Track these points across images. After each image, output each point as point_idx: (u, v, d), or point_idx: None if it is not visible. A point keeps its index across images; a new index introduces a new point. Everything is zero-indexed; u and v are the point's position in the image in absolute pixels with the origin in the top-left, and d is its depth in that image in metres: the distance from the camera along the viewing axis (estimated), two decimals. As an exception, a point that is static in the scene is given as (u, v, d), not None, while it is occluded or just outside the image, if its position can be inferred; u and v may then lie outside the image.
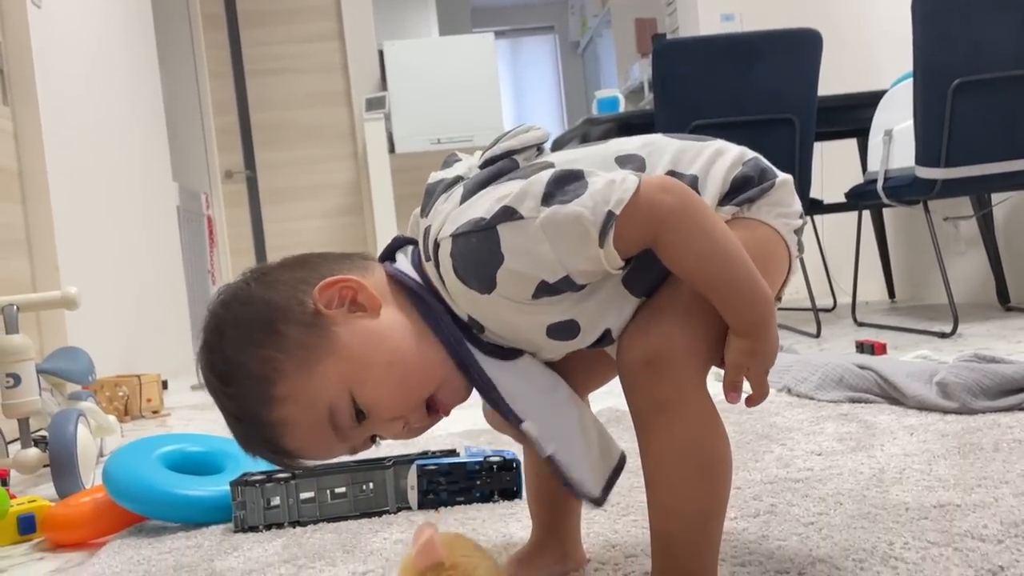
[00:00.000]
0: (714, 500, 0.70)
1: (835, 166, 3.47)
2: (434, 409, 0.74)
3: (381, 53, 5.22)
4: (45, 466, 1.60)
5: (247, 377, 0.70)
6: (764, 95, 2.63)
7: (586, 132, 2.94)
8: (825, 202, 3.05)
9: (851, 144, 3.34)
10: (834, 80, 3.13)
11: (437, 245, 0.70)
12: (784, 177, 0.77)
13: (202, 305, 4.58)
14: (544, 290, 0.68)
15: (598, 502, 0.73)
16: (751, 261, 0.67)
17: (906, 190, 2.52)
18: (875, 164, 2.71)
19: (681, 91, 2.64)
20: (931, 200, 2.53)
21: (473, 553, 0.62)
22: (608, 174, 0.67)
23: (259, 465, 1.32)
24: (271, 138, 5.29)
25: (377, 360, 0.70)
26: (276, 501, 1.16)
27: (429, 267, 0.72)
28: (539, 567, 0.86)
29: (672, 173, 0.74)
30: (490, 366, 0.73)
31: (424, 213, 0.75)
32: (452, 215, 0.69)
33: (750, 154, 0.77)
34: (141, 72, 3.85)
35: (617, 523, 1.01)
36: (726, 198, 0.75)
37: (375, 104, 5.00)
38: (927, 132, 2.37)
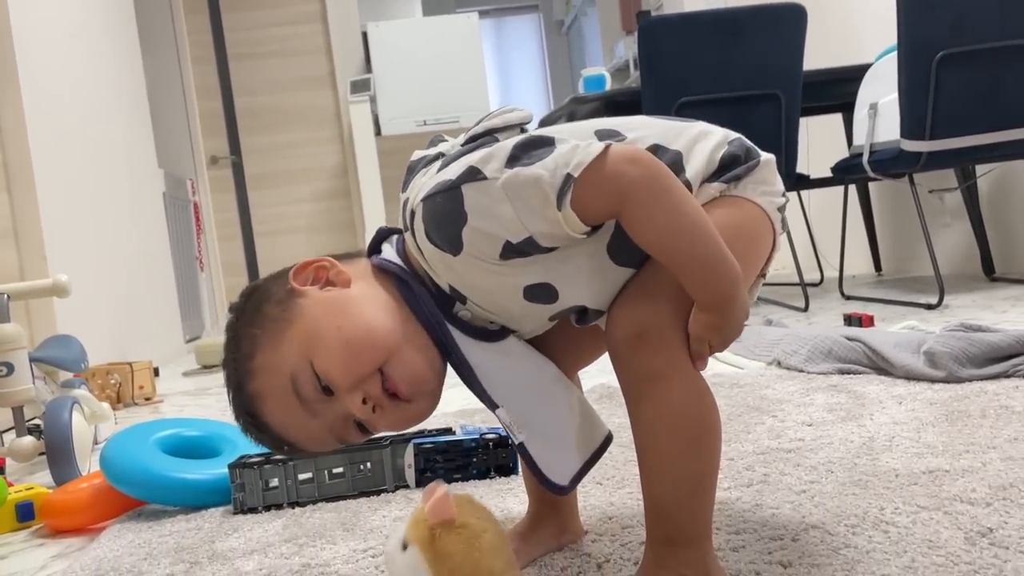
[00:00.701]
0: (704, 466, 0.71)
1: (821, 141, 3.48)
2: (392, 388, 0.72)
3: (365, 35, 5.19)
4: (41, 454, 1.60)
5: (237, 353, 0.74)
6: (750, 71, 2.63)
7: (573, 111, 2.94)
8: (811, 177, 3.07)
9: (836, 119, 3.36)
10: (819, 55, 3.14)
11: (413, 213, 0.71)
12: (768, 156, 0.79)
13: (191, 291, 4.58)
14: (510, 250, 0.68)
15: (562, 491, 0.75)
16: (719, 238, 0.67)
17: (891, 163, 2.54)
18: (860, 138, 2.72)
19: (667, 68, 2.64)
20: (916, 173, 2.54)
21: (483, 516, 0.63)
22: (574, 141, 0.68)
23: (256, 447, 1.34)
24: (256, 123, 5.26)
25: (326, 325, 0.72)
26: (275, 482, 1.17)
27: (409, 239, 0.74)
28: (538, 541, 0.87)
29: (656, 147, 0.74)
30: (472, 348, 0.74)
31: (404, 188, 0.76)
32: (425, 183, 0.71)
33: (734, 135, 0.79)
34: (123, 58, 3.81)
35: (613, 496, 1.03)
36: (713, 176, 0.76)
37: (360, 86, 4.97)
38: (912, 105, 2.39)
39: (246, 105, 5.25)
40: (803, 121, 2.84)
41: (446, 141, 0.79)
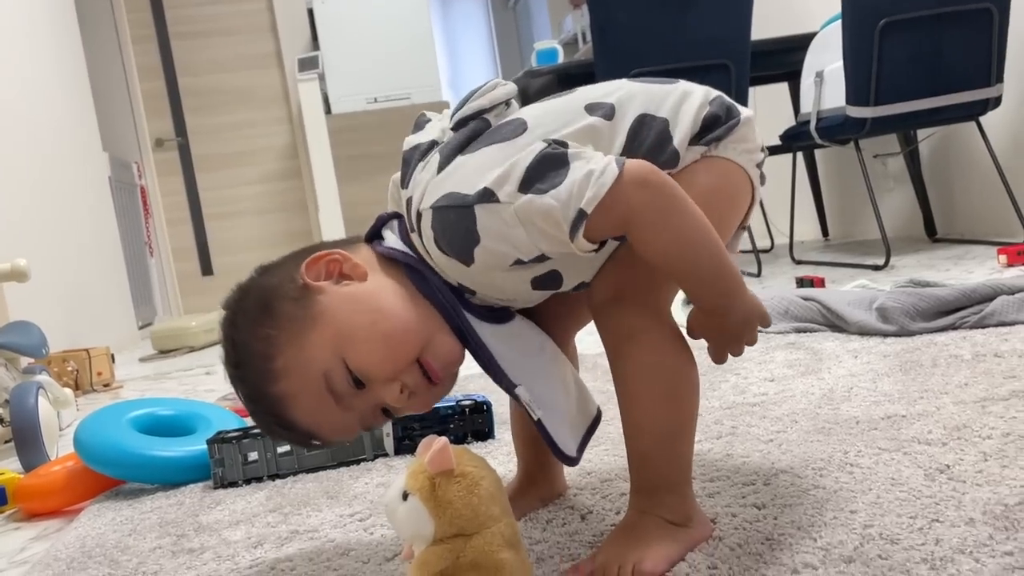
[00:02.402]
0: (683, 417, 0.75)
1: (768, 110, 3.55)
2: (431, 373, 0.74)
3: (311, 11, 5.11)
4: (7, 441, 1.59)
5: (251, 357, 0.73)
6: (699, 41, 2.67)
7: (526, 84, 2.95)
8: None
9: (783, 88, 3.43)
10: (765, 25, 3.19)
11: (419, 215, 0.72)
12: (748, 114, 0.81)
13: (141, 277, 4.50)
14: (520, 264, 0.71)
15: (573, 462, 0.77)
16: (722, 251, 0.70)
17: (838, 129, 2.61)
18: (807, 106, 2.79)
19: (619, 39, 2.66)
20: (862, 139, 2.62)
21: (480, 464, 0.66)
22: (590, 162, 0.68)
23: (232, 423, 1.34)
24: (201, 103, 5.16)
25: (360, 322, 0.72)
26: (254, 456, 1.18)
27: (415, 238, 0.75)
28: (526, 501, 0.90)
29: (643, 117, 0.76)
30: (485, 331, 0.76)
31: (404, 183, 0.76)
32: (431, 185, 0.72)
33: (714, 93, 0.81)
34: (62, 38, 3.70)
35: (591, 452, 1.06)
36: (695, 138, 0.78)
37: (308, 64, 4.90)
38: (856, 72, 2.45)
39: (190, 85, 5.16)
40: (751, 91, 2.89)
41: (431, 121, 0.79)
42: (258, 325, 0.73)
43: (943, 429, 0.95)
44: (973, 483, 0.78)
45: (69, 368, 2.48)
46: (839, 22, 2.51)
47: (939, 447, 0.89)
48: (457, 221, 0.69)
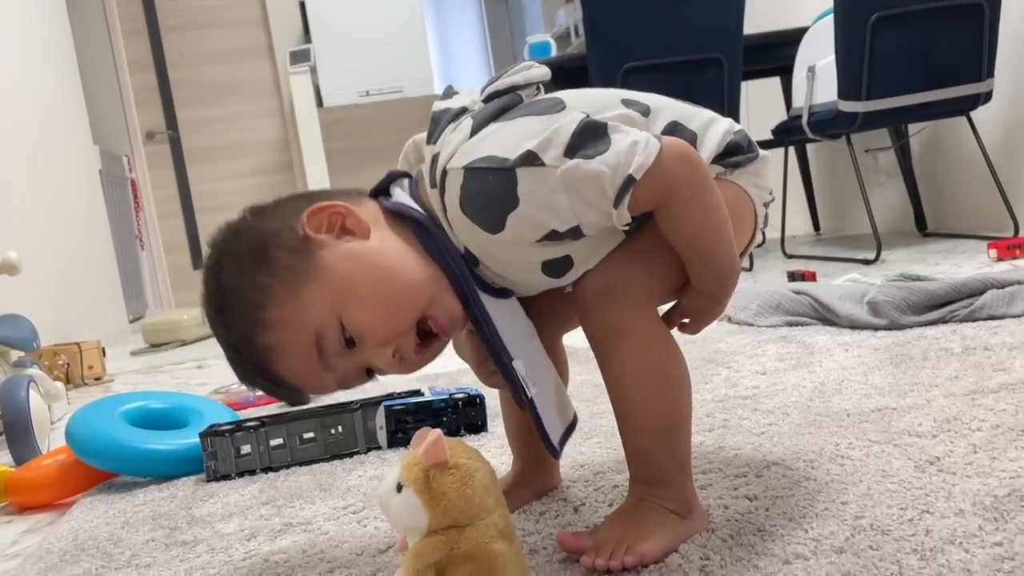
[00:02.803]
0: (676, 412, 0.75)
1: (760, 104, 3.56)
2: (428, 336, 0.73)
3: (302, 4, 5.09)
4: (-2, 434, 1.58)
5: (240, 303, 0.70)
6: (692, 36, 2.67)
7: (519, 78, 2.94)
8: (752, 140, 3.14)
9: (774, 82, 3.43)
10: (758, 19, 3.20)
11: (445, 173, 0.70)
12: (765, 154, 0.82)
13: (132, 271, 4.48)
14: (551, 236, 0.69)
15: (556, 452, 0.77)
16: (733, 237, 0.72)
17: (829, 124, 2.62)
18: (799, 100, 2.80)
19: (612, 33, 2.66)
20: (853, 133, 2.63)
21: (474, 456, 0.66)
22: (630, 134, 0.68)
23: (225, 417, 1.34)
24: (192, 96, 5.14)
25: (362, 281, 0.70)
26: (247, 449, 1.18)
27: (433, 194, 0.72)
28: (520, 495, 0.89)
29: (675, 124, 0.76)
30: (488, 301, 0.74)
31: (431, 140, 0.74)
32: (464, 147, 0.70)
33: (738, 126, 0.81)
34: (53, 31, 3.68)
35: (583, 446, 1.07)
36: (716, 159, 0.78)
37: (300, 57, 4.89)
38: (848, 66, 2.46)
39: (181, 78, 5.13)
40: (743, 85, 2.89)
41: (459, 93, 0.78)
42: (251, 272, 0.70)
43: (933, 421, 0.96)
44: (963, 475, 0.79)
45: (60, 362, 2.47)
46: (831, 17, 2.52)
47: (929, 439, 0.90)
48: (496, 184, 0.67)
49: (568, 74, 2.85)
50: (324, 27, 4.95)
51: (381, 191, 0.78)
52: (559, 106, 0.72)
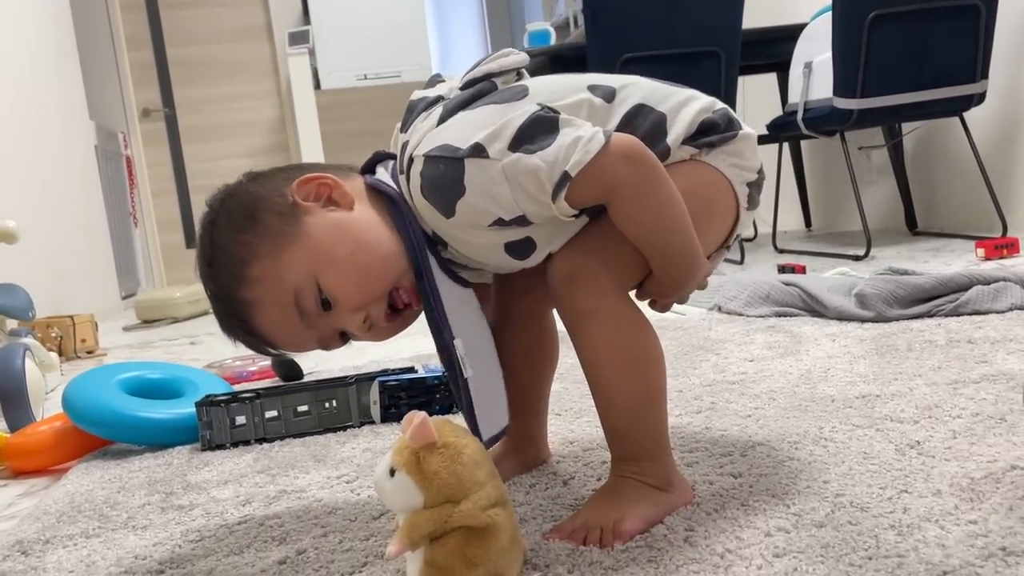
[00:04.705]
0: (648, 389, 0.77)
1: (756, 99, 3.58)
2: (398, 307, 0.77)
3: (302, -15, 5.08)
4: (-8, 401, 1.59)
5: (226, 258, 0.75)
6: (691, 28, 2.69)
7: (518, 65, 2.95)
8: (747, 134, 3.15)
9: (771, 78, 3.45)
10: (755, 14, 3.21)
11: (411, 161, 0.74)
12: (748, 131, 0.81)
13: (125, 247, 4.48)
14: (499, 223, 0.73)
15: (480, 436, 0.75)
16: (691, 230, 0.73)
17: (824, 120, 2.64)
18: (795, 96, 2.82)
19: (612, 24, 2.67)
20: (847, 130, 2.65)
21: (461, 435, 0.67)
22: (579, 129, 0.70)
23: (220, 388, 1.36)
24: (189, 74, 5.13)
25: (341, 250, 0.74)
26: (241, 420, 1.20)
27: (402, 180, 0.77)
28: (511, 464, 0.92)
29: (641, 106, 0.77)
30: (443, 281, 0.77)
31: (404, 128, 0.78)
32: (429, 135, 0.73)
33: (720, 104, 0.81)
34: (50, 6, 3.67)
35: (573, 424, 1.09)
36: (689, 139, 0.79)
37: (298, 38, 4.87)
38: (844, 64, 2.48)
39: (178, 56, 5.12)
40: (739, 80, 2.91)
41: (444, 82, 0.81)
42: (239, 230, 0.75)
43: (915, 408, 0.98)
44: (942, 458, 0.81)
45: (53, 334, 2.48)
46: (829, 14, 2.54)
47: (911, 425, 0.92)
48: (446, 172, 0.71)
49: (567, 63, 2.86)
50: (324, 9, 4.94)
51: (368, 169, 0.82)
52: (521, 95, 0.74)
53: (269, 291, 0.74)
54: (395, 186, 0.78)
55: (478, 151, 0.70)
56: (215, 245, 0.76)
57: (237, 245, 0.75)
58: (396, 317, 0.78)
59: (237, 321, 0.77)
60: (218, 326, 0.80)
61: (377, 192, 0.78)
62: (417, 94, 0.80)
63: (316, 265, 0.74)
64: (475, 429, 0.75)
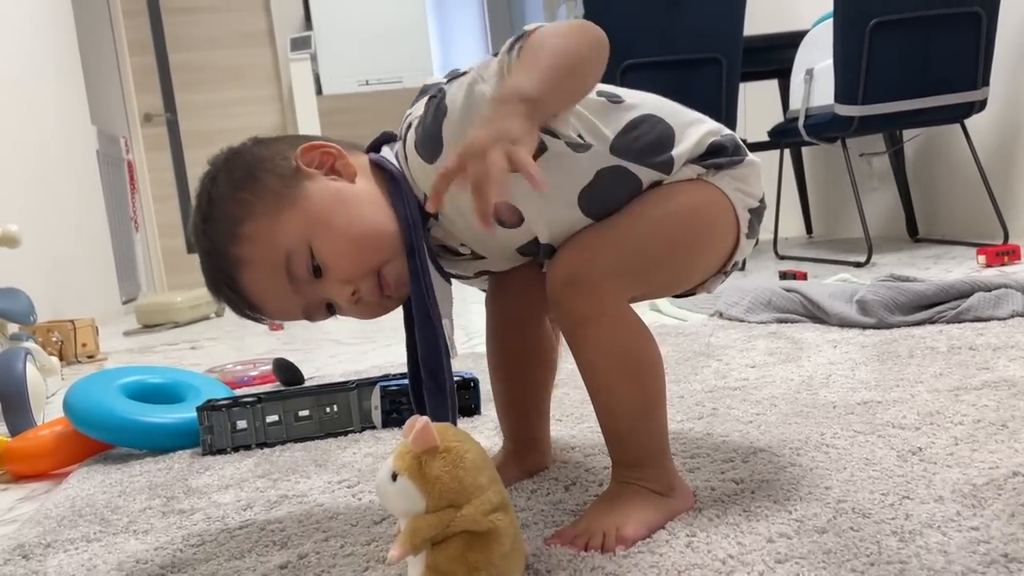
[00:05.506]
0: (648, 395, 0.76)
1: (757, 106, 3.58)
2: (383, 292, 0.77)
3: (304, -9, 5.10)
4: (-7, 406, 1.59)
5: (222, 214, 0.75)
6: (692, 35, 2.69)
7: (519, 71, 2.96)
8: (748, 141, 3.16)
9: (772, 85, 3.45)
10: (757, 21, 3.22)
11: (409, 127, 0.75)
12: (754, 159, 0.82)
13: (126, 252, 4.48)
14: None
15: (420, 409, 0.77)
16: (583, 76, 0.70)
17: (825, 127, 2.64)
18: (796, 103, 2.82)
19: (613, 30, 2.65)
20: (849, 137, 2.65)
21: (463, 438, 0.67)
22: None
23: (221, 393, 1.36)
24: (191, 79, 5.14)
25: (338, 219, 0.74)
26: (243, 424, 1.20)
27: (399, 148, 0.78)
28: (513, 471, 0.91)
29: (652, 115, 0.77)
30: (430, 267, 0.77)
31: (412, 105, 0.79)
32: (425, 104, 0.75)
33: (728, 130, 0.81)
34: (54, 10, 3.68)
35: (574, 430, 1.09)
36: (697, 159, 0.78)
37: (300, 44, 4.89)
38: (846, 70, 2.49)
39: (180, 61, 5.13)
40: (740, 86, 2.92)
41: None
42: (238, 188, 0.75)
43: (917, 415, 0.98)
44: (944, 464, 0.81)
45: (53, 339, 2.48)
46: (830, 21, 2.54)
47: (912, 431, 0.92)
48: (435, 104, 0.72)
49: (568, 69, 2.86)
50: (326, 14, 4.96)
51: (375, 148, 0.82)
52: None
53: (261, 250, 0.74)
54: (397, 164, 0.78)
55: (454, 75, 0.73)
56: (212, 201, 0.76)
57: (235, 202, 0.75)
58: (383, 299, 0.78)
59: (225, 278, 0.76)
60: (204, 282, 0.79)
61: (380, 170, 0.79)
62: (431, 80, 0.80)
63: (312, 229, 0.74)
64: (446, 415, 0.75)
